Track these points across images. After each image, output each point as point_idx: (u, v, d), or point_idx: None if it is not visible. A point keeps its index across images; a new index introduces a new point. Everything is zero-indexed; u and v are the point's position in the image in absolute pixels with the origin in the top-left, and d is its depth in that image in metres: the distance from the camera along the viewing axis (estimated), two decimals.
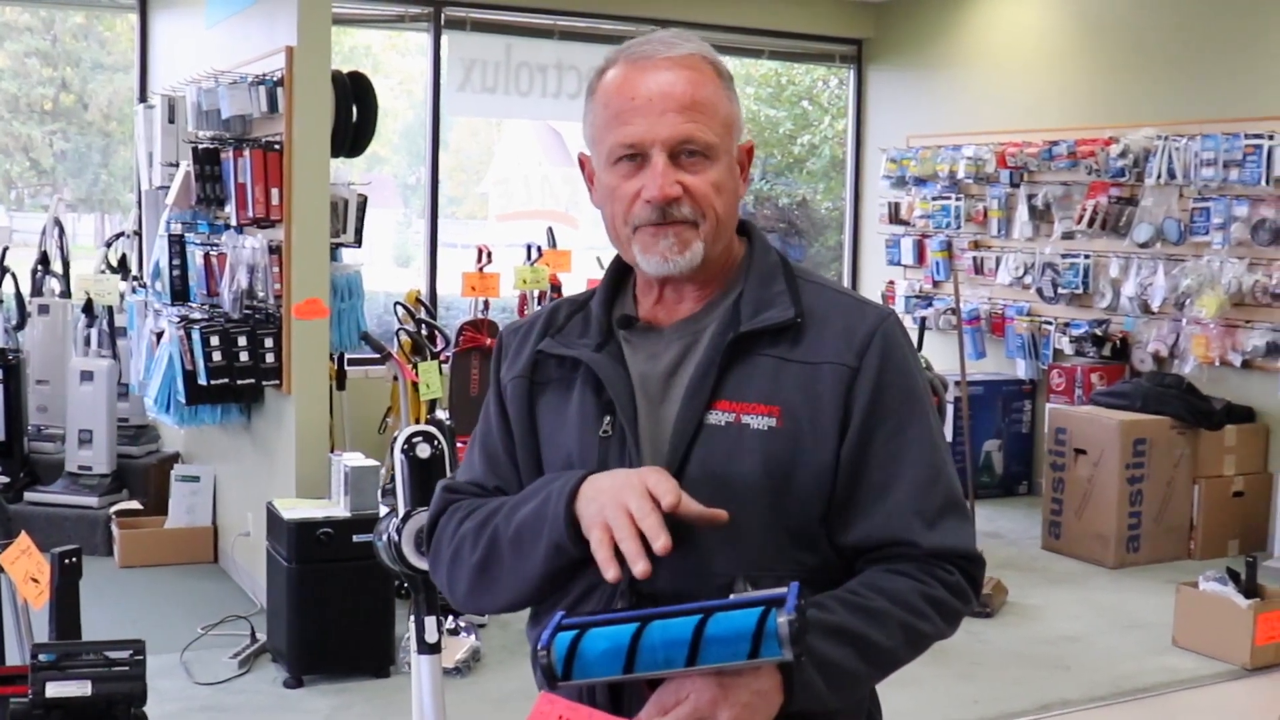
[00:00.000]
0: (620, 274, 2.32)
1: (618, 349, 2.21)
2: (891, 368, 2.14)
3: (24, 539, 3.77)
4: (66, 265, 9.53)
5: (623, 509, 1.94)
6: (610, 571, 1.93)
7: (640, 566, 1.91)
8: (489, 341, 9.28)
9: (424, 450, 3.82)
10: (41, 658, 2.94)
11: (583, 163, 2.29)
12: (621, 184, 2.15)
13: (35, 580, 3.71)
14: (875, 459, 2.11)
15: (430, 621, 3.97)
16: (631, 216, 2.15)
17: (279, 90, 7.04)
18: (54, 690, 2.89)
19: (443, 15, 10.65)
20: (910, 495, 2.11)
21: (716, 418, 2.11)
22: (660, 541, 1.91)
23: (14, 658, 3.95)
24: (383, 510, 6.35)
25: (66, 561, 3.47)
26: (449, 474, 3.62)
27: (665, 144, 2.10)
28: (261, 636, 6.73)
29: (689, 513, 1.97)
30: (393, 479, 3.98)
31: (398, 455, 3.85)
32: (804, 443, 2.10)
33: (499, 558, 2.16)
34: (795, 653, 1.83)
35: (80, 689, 2.89)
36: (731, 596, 1.93)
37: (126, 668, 2.95)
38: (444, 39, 10.71)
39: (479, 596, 2.24)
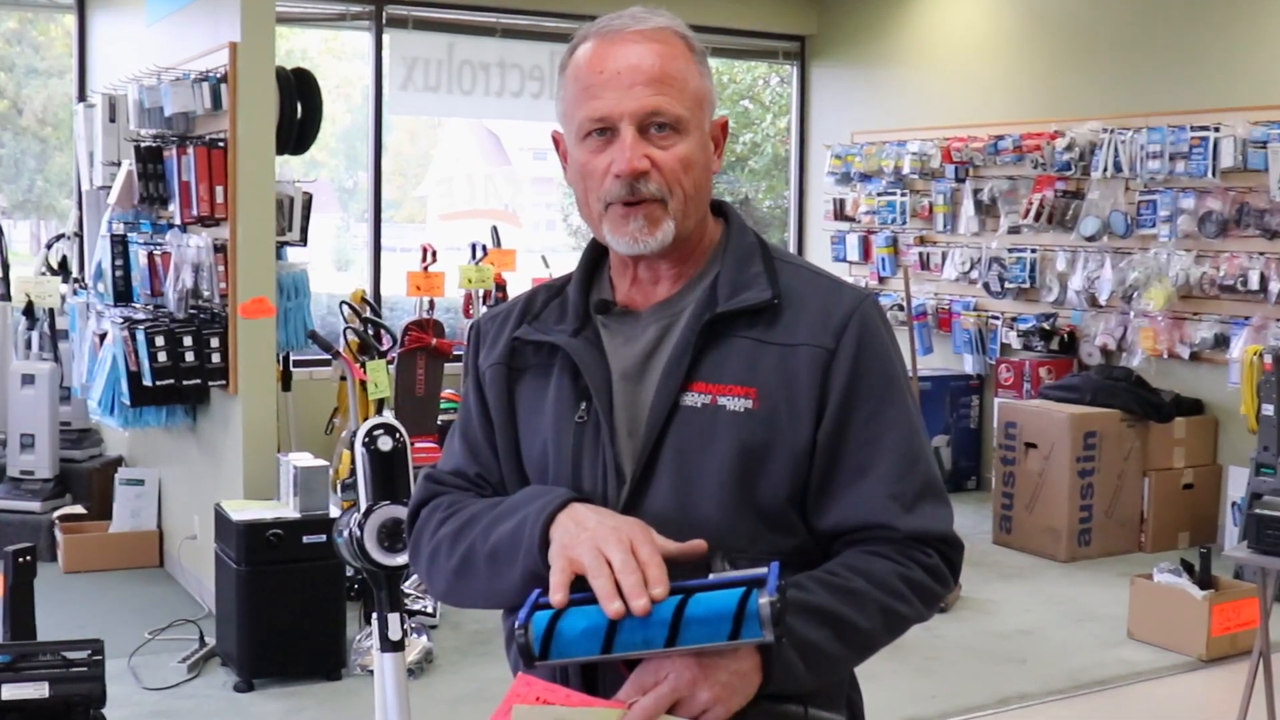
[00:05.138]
0: (596, 257, 2.30)
1: (595, 334, 2.19)
2: (869, 350, 2.11)
3: None
4: (6, 267, 9.38)
5: (603, 559, 1.91)
6: (614, 606, 1.87)
7: (640, 603, 1.86)
8: (434, 341, 9.20)
9: (385, 443, 3.75)
10: None
11: (556, 140, 2.26)
12: (591, 159, 2.13)
13: None
14: (852, 442, 2.09)
15: (394, 619, 3.90)
16: (602, 193, 2.12)
17: (223, 87, 6.94)
18: (10, 692, 2.81)
19: (384, 14, 10.57)
20: (887, 479, 2.09)
21: (692, 399, 2.09)
22: (657, 591, 1.88)
23: None
24: (334, 510, 6.29)
25: (20, 560, 3.38)
26: (410, 468, 3.57)
27: (633, 117, 2.08)
28: (210, 640, 6.64)
29: (667, 555, 1.94)
30: (352, 474, 3.91)
31: (358, 449, 3.77)
32: (780, 425, 2.07)
33: (475, 571, 2.14)
34: (776, 634, 1.82)
35: (37, 690, 2.81)
36: (711, 576, 1.92)
37: (85, 668, 2.87)
38: (386, 37, 10.63)
39: (456, 597, 2.24)
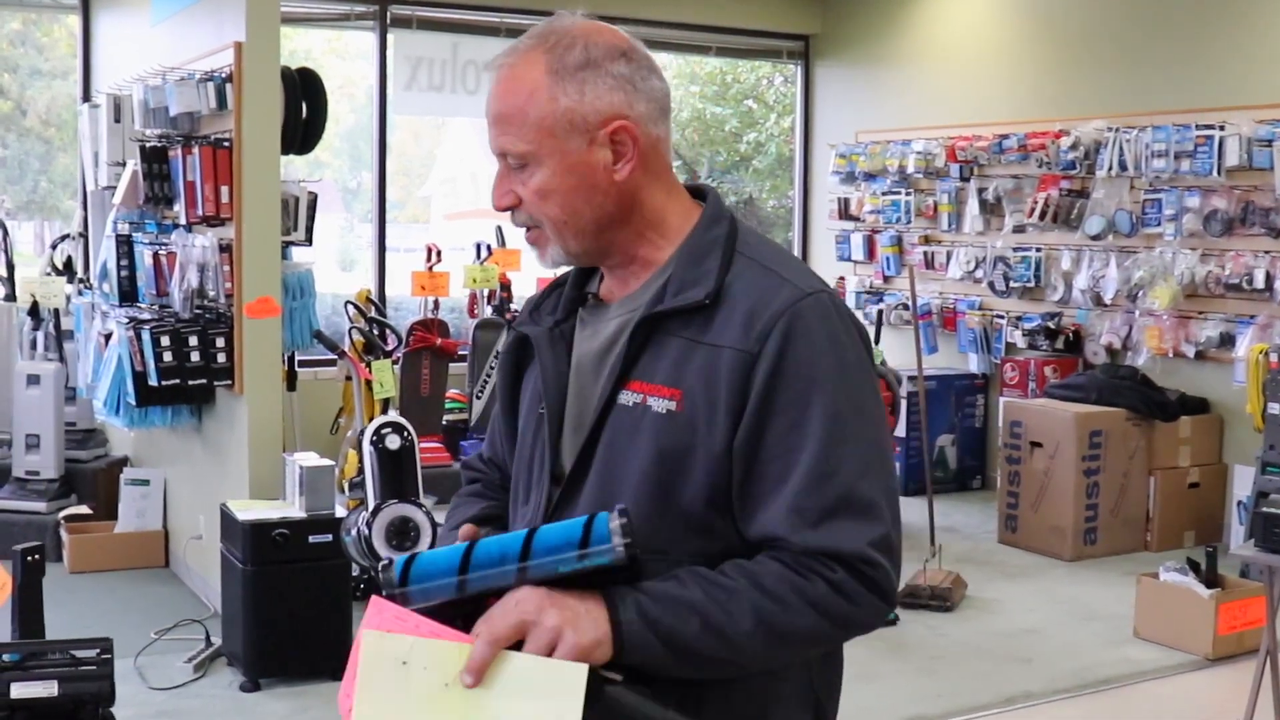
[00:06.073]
0: None
1: (571, 327, 2.24)
2: (794, 355, 2.03)
3: None
4: (11, 268, 9.38)
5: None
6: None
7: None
8: (439, 341, 9.22)
9: (394, 441, 3.75)
10: (5, 658, 2.84)
11: None
12: None
13: None
14: (769, 452, 2.03)
15: None
16: None
17: (228, 86, 6.94)
18: (19, 691, 2.80)
19: (389, 13, 10.57)
20: (795, 492, 2.01)
21: (626, 398, 2.10)
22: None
23: None
24: (340, 510, 6.28)
25: (29, 559, 3.38)
26: (419, 466, 3.56)
27: (497, 155, 2.15)
28: (216, 640, 6.64)
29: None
30: (360, 473, 3.91)
31: (366, 447, 3.77)
32: (699, 429, 2.05)
33: None
34: (624, 544, 1.85)
35: (46, 689, 2.80)
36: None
37: (94, 667, 2.87)
38: (390, 37, 10.63)
39: None
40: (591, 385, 2.16)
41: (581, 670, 1.83)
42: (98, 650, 2.88)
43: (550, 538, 1.91)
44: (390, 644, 1.87)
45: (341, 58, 16.96)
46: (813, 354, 2.03)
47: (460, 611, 1.93)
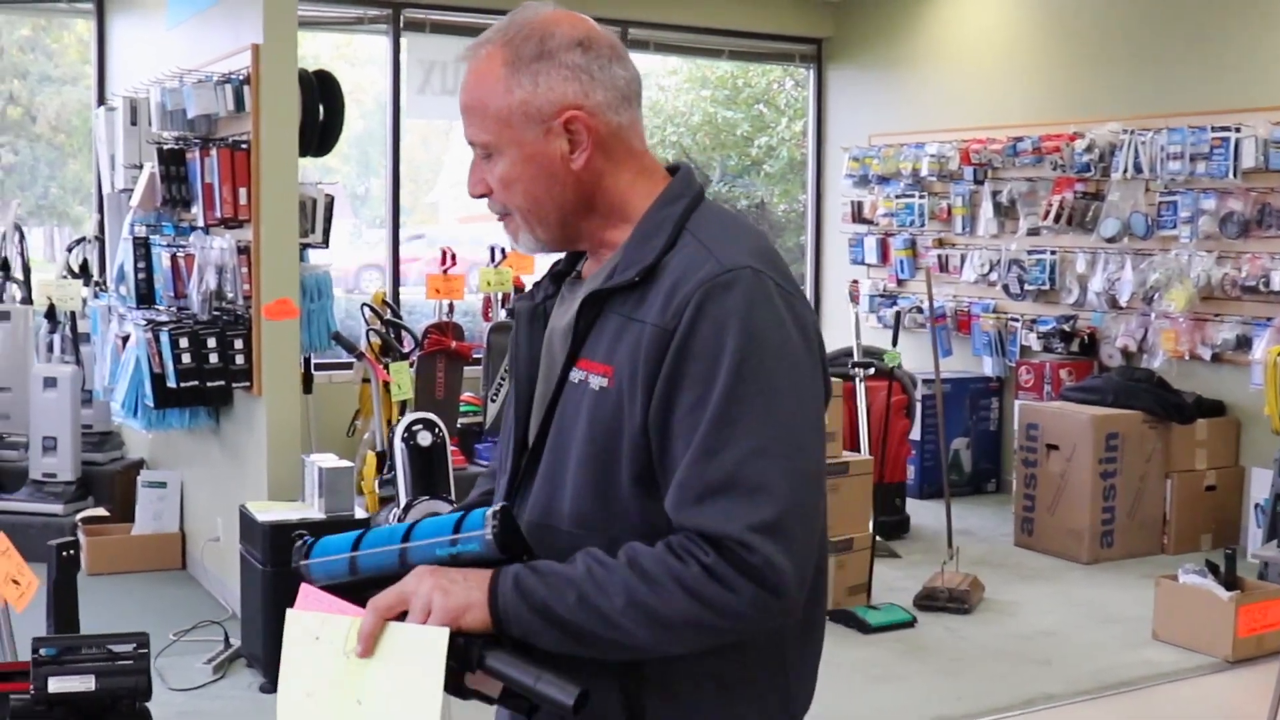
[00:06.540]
0: None
1: (551, 305, 2.29)
2: (701, 331, 2.02)
3: (3, 540, 3.67)
4: (27, 271, 9.39)
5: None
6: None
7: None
8: (454, 345, 9.21)
9: (425, 438, 3.74)
10: (43, 652, 2.84)
11: None
12: None
13: (16, 582, 3.61)
14: (675, 430, 2.03)
15: None
16: None
17: (245, 89, 6.95)
18: (56, 685, 2.80)
19: (402, 17, 10.57)
20: (684, 470, 2.01)
21: (575, 375, 2.14)
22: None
23: None
24: (359, 511, 6.28)
25: (63, 554, 3.38)
26: (450, 463, 3.56)
27: (469, 145, 2.21)
28: (235, 641, 6.64)
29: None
30: (389, 470, 3.90)
31: (398, 444, 3.76)
32: (624, 406, 2.07)
33: None
34: (494, 532, 1.99)
35: (84, 683, 2.80)
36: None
37: (130, 661, 2.87)
38: (403, 41, 10.62)
39: None
40: (555, 362, 2.20)
41: (443, 634, 1.94)
42: (134, 645, 2.88)
43: (430, 526, 2.06)
44: (305, 621, 2.03)
45: (350, 63, 16.98)
46: (719, 330, 2.01)
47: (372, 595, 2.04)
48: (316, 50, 15.94)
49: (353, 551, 2.10)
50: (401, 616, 1.98)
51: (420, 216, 20.25)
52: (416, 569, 2.01)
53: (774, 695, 2.18)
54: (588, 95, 2.13)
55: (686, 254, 2.10)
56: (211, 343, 7.07)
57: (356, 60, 16.30)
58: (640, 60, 14.73)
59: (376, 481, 6.25)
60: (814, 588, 2.12)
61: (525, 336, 2.28)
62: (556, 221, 2.19)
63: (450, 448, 3.83)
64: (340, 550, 2.11)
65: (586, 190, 2.17)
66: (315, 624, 2.02)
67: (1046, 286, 10.04)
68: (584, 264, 2.29)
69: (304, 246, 7.36)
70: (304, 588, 2.09)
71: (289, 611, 2.04)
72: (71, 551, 3.38)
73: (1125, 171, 9.25)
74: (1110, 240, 9.45)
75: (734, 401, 1.99)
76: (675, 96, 17.24)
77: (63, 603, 3.38)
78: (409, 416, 3.78)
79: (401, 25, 10.58)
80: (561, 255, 2.35)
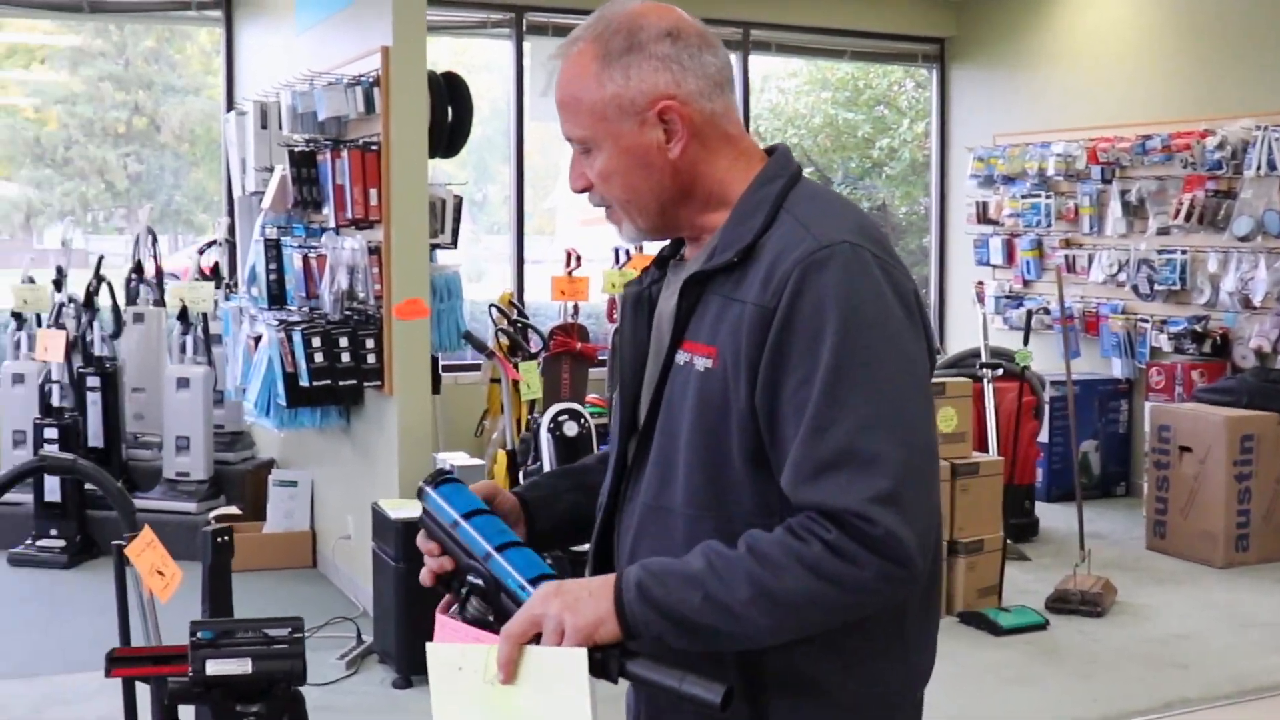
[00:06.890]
0: None
1: (657, 290, 2.31)
2: (801, 307, 2.03)
3: (148, 532, 3.72)
4: (160, 274, 9.55)
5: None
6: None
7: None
8: (579, 346, 9.25)
9: (571, 428, 3.76)
10: (200, 635, 2.88)
11: None
12: None
13: (160, 573, 3.66)
14: (785, 409, 2.04)
15: None
16: None
17: (375, 91, 7.00)
18: (214, 668, 2.83)
19: (524, 21, 10.61)
20: (797, 448, 2.01)
21: (681, 358, 2.17)
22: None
23: None
24: None
25: (219, 540, 3.44)
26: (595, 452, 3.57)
27: (568, 141, 2.25)
28: (368, 638, 6.69)
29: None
30: (534, 461, 3.91)
31: (543, 434, 3.78)
32: (729, 385, 2.09)
33: None
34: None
35: (240, 666, 2.83)
36: None
37: (286, 645, 2.89)
38: (526, 44, 10.67)
39: None
40: (662, 345, 2.23)
41: (581, 654, 1.95)
42: (289, 629, 2.91)
43: (521, 558, 2.10)
44: (444, 654, 2.06)
45: (468, 69, 17.07)
46: (819, 306, 2.03)
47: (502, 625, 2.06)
48: (434, 56, 16.05)
49: (462, 517, 2.14)
50: (535, 639, 1.99)
51: (538, 222, 20.37)
52: (541, 590, 2.01)
53: (897, 669, 2.20)
54: (679, 84, 2.17)
55: (784, 232, 2.12)
56: (344, 342, 7.13)
57: (473, 66, 16.40)
58: (761, 62, 14.77)
59: (522, 473, 6.27)
60: (932, 558, 2.11)
61: (630, 321, 2.31)
62: (656, 210, 2.23)
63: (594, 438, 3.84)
64: (457, 507, 2.17)
65: (684, 178, 2.20)
66: (455, 656, 2.05)
67: (1177, 287, 9.89)
68: (687, 248, 2.31)
69: (433, 247, 7.41)
70: (440, 621, 2.13)
71: (429, 645, 2.07)
72: (226, 538, 3.43)
73: (1258, 169, 9.10)
74: (1243, 239, 9.30)
75: (839, 377, 2.00)
76: (795, 99, 17.22)
77: (218, 588, 3.43)
78: (555, 407, 3.80)
79: (524, 29, 10.63)
80: (666, 241, 2.38)
